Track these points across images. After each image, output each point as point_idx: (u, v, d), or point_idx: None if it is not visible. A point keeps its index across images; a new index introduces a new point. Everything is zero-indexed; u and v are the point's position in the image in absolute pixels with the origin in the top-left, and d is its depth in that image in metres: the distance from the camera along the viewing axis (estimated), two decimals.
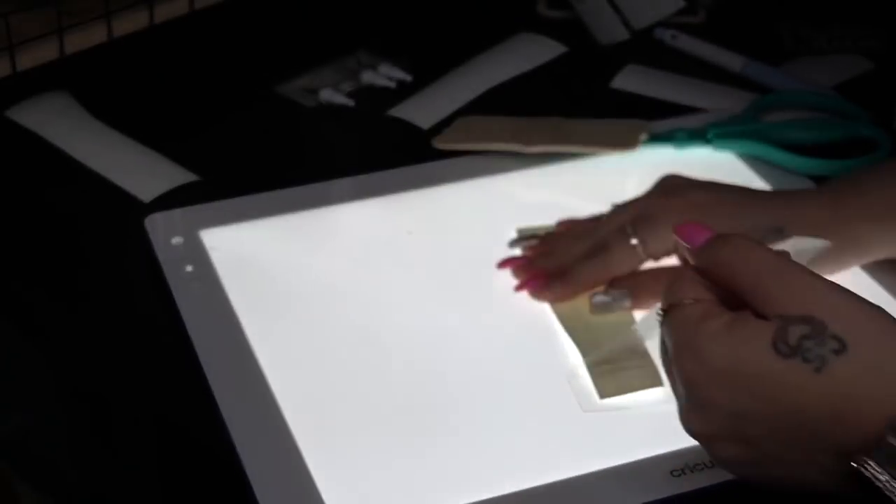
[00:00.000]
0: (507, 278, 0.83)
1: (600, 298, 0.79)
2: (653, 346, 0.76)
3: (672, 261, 0.77)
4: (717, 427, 0.56)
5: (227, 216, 0.88)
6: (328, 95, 1.04)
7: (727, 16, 1.17)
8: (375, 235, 0.87)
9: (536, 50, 1.11)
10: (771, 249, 0.57)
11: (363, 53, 1.10)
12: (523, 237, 0.86)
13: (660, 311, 0.59)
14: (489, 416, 0.73)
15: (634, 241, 0.79)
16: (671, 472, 0.69)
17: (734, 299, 0.56)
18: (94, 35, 1.03)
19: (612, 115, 0.98)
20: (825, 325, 0.52)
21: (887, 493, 0.50)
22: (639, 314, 0.80)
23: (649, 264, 0.81)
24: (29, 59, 1.01)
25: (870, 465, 0.50)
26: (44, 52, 1.02)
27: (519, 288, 0.81)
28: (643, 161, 0.93)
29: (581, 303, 0.80)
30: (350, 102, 1.03)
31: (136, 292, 0.84)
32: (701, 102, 1.03)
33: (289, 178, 0.92)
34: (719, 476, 0.68)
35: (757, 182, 0.93)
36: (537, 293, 0.80)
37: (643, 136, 0.94)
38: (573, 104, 1.04)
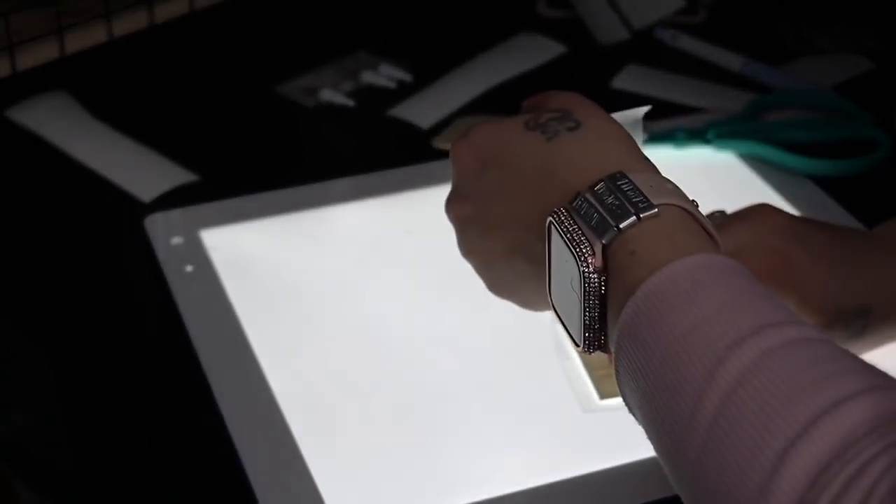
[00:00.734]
0: None
1: None
2: None
3: None
4: (458, 186, 0.63)
5: (227, 216, 0.88)
6: (328, 95, 1.04)
7: (727, 15, 1.17)
8: (375, 235, 0.87)
9: (536, 50, 1.11)
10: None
11: (363, 53, 1.10)
12: None
13: None
14: (489, 416, 0.73)
15: None
16: None
17: None
18: (94, 35, 1.03)
19: None
20: (571, 113, 0.60)
21: (564, 238, 0.54)
22: None
23: None
24: (29, 58, 1.01)
25: (562, 212, 0.55)
26: (44, 52, 1.01)
27: None
28: None
29: None
30: (350, 102, 1.03)
31: (136, 292, 0.84)
32: (701, 102, 1.03)
33: (289, 178, 0.92)
34: None
35: (757, 182, 0.93)
36: None
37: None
38: None
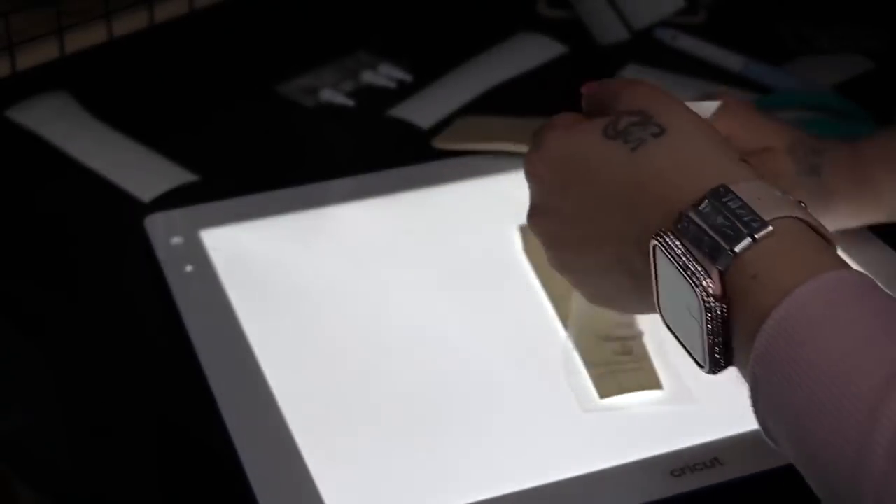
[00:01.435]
0: (508, 278, 0.83)
1: None
2: (653, 348, 0.76)
3: None
4: (540, 202, 0.61)
5: (227, 216, 0.88)
6: (328, 95, 1.04)
7: (728, 16, 1.17)
8: (375, 235, 0.87)
9: (536, 50, 1.11)
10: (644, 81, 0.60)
11: (363, 53, 1.09)
12: None
13: None
14: (489, 416, 0.73)
15: None
16: (671, 472, 0.69)
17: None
18: (94, 35, 1.03)
19: None
20: (651, 116, 0.56)
21: (675, 263, 0.51)
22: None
23: None
24: (29, 58, 1.01)
25: (668, 235, 0.52)
26: (43, 52, 1.01)
27: None
28: None
29: (582, 304, 0.80)
30: (350, 102, 1.03)
31: (136, 292, 0.84)
32: None
33: (289, 178, 0.92)
34: (719, 476, 0.68)
35: None
36: None
37: None
38: (573, 104, 1.03)
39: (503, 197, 0.91)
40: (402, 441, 0.71)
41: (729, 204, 0.51)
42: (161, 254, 0.84)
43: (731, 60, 1.09)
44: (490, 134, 0.96)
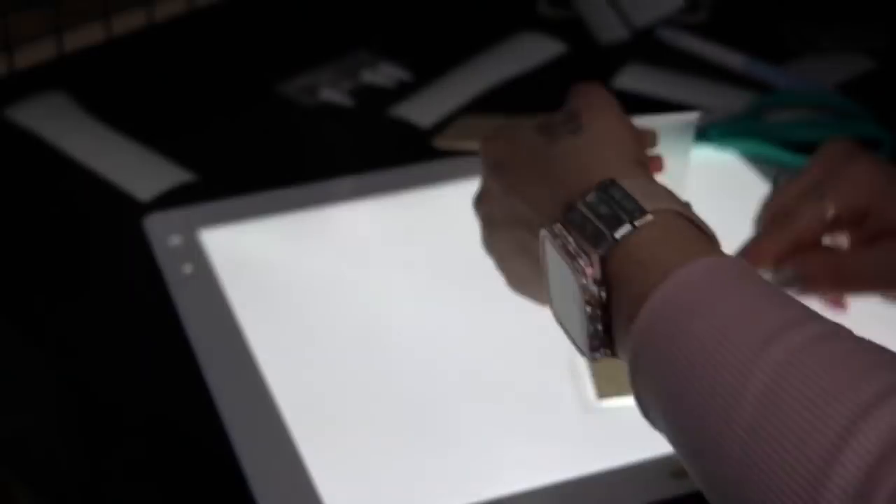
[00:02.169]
0: None
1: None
2: None
3: None
4: (482, 183, 0.66)
5: (227, 216, 0.88)
6: (328, 95, 1.03)
7: (729, 14, 1.17)
8: (375, 235, 0.87)
9: (536, 49, 1.11)
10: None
11: (363, 53, 1.09)
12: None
13: None
14: (489, 416, 0.73)
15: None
16: (671, 473, 0.68)
17: None
18: (93, 34, 1.03)
19: None
20: (578, 116, 0.60)
21: (560, 251, 0.54)
22: None
23: None
24: (27, 58, 1.01)
25: (557, 226, 0.55)
26: (42, 52, 1.01)
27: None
28: None
29: None
30: (350, 102, 1.03)
31: (134, 292, 0.83)
32: (702, 101, 1.03)
33: (288, 178, 0.91)
34: None
35: (758, 182, 0.92)
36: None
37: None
38: None
39: None
40: (402, 441, 0.71)
41: (614, 195, 0.54)
42: (160, 254, 0.84)
43: (732, 59, 1.09)
44: None
